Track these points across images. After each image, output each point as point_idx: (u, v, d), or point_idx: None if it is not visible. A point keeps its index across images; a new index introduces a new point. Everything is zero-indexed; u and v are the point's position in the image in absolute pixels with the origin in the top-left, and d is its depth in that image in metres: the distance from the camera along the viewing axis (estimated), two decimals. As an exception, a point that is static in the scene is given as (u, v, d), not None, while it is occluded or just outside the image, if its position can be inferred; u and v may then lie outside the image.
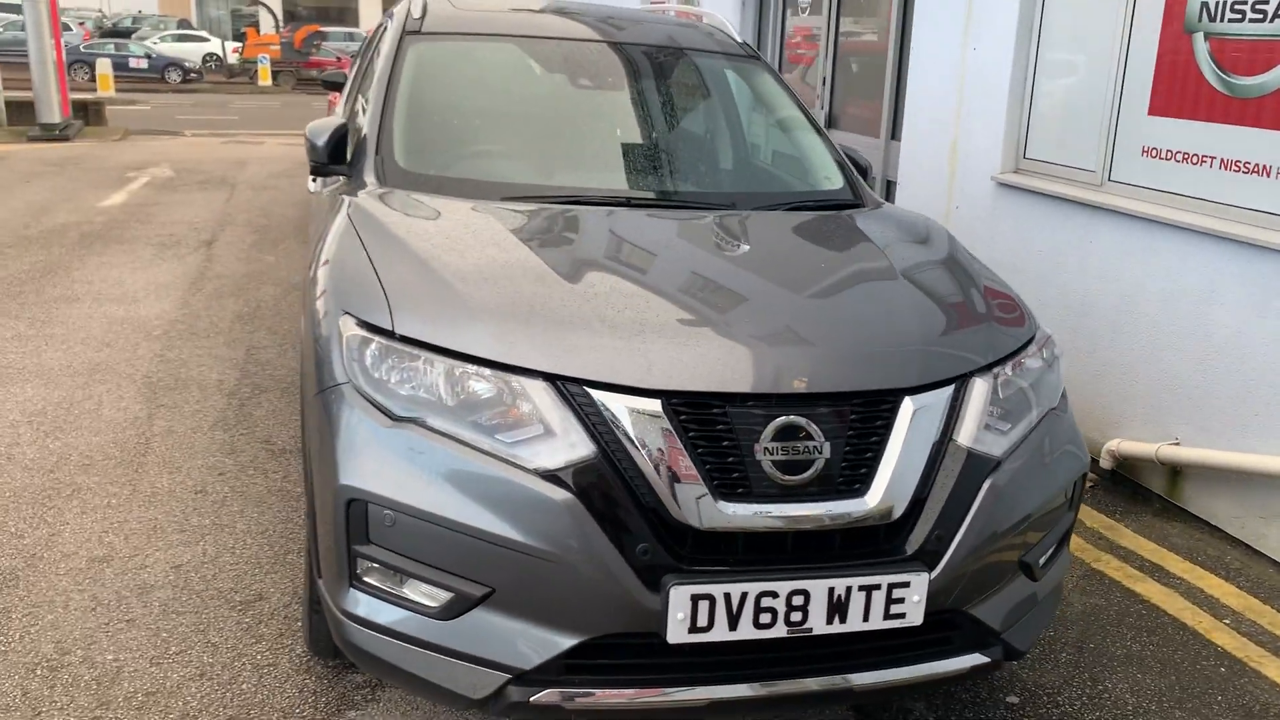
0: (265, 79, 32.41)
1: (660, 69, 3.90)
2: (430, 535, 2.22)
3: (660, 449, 2.19)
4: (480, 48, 3.82)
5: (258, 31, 38.85)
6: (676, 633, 2.18)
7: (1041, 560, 2.59)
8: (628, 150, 3.57)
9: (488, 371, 2.27)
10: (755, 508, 2.23)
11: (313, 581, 2.64)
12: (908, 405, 2.36)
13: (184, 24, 42.01)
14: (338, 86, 9.07)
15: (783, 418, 2.26)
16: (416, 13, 3.84)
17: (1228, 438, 4.05)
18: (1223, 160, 4.10)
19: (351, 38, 41.05)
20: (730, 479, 2.22)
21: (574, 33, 3.92)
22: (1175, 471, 4.36)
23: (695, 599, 2.16)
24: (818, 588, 2.23)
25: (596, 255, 2.79)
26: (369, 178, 3.22)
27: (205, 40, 37.95)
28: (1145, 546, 3.96)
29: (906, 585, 2.28)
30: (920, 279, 2.85)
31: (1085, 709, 2.93)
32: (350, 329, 2.43)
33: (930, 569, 2.30)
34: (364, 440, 2.29)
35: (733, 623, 2.20)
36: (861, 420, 2.33)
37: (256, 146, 16.03)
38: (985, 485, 2.40)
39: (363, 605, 2.32)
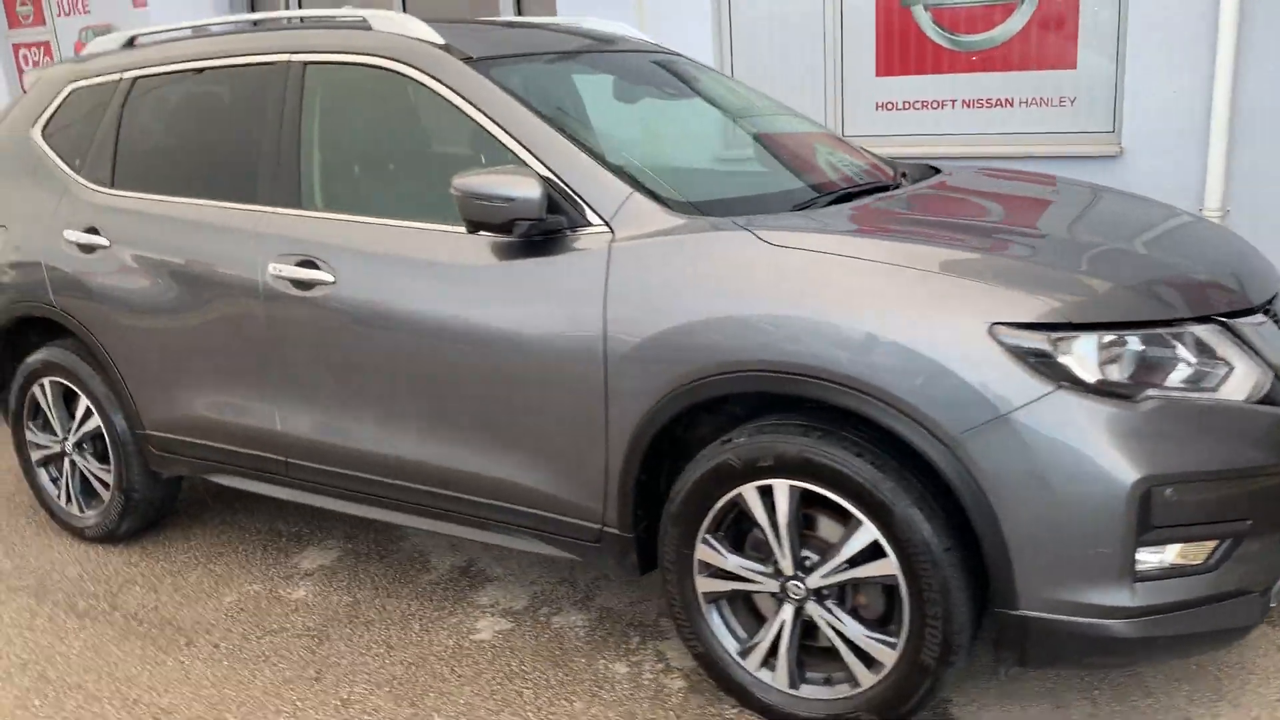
0: None
1: (688, 75, 3.76)
2: (1203, 492, 2.30)
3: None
4: (552, 68, 3.32)
5: None
6: None
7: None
8: (786, 145, 3.49)
9: (1165, 331, 2.35)
10: None
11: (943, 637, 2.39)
12: None
13: None
14: None
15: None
16: (438, 39, 3.16)
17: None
18: (964, 100, 5.25)
19: None
20: None
21: (590, 45, 3.59)
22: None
23: None
24: None
25: (1024, 225, 2.87)
26: (649, 216, 2.74)
27: None
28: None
29: None
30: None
31: None
32: (1016, 336, 2.28)
33: None
34: (1123, 429, 2.24)
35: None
36: None
37: None
38: None
39: (1142, 595, 2.29)
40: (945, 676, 2.45)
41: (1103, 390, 2.26)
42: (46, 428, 4.14)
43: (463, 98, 3.03)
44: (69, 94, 4.02)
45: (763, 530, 2.61)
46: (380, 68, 3.21)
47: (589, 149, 2.89)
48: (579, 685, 2.96)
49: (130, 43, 3.99)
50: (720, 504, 2.64)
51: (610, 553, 2.89)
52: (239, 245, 3.35)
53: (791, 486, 2.53)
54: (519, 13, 6.63)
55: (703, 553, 2.70)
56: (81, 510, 4.11)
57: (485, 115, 2.99)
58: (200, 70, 3.64)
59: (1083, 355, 2.29)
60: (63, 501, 4.15)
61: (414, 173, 3.27)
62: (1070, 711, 2.71)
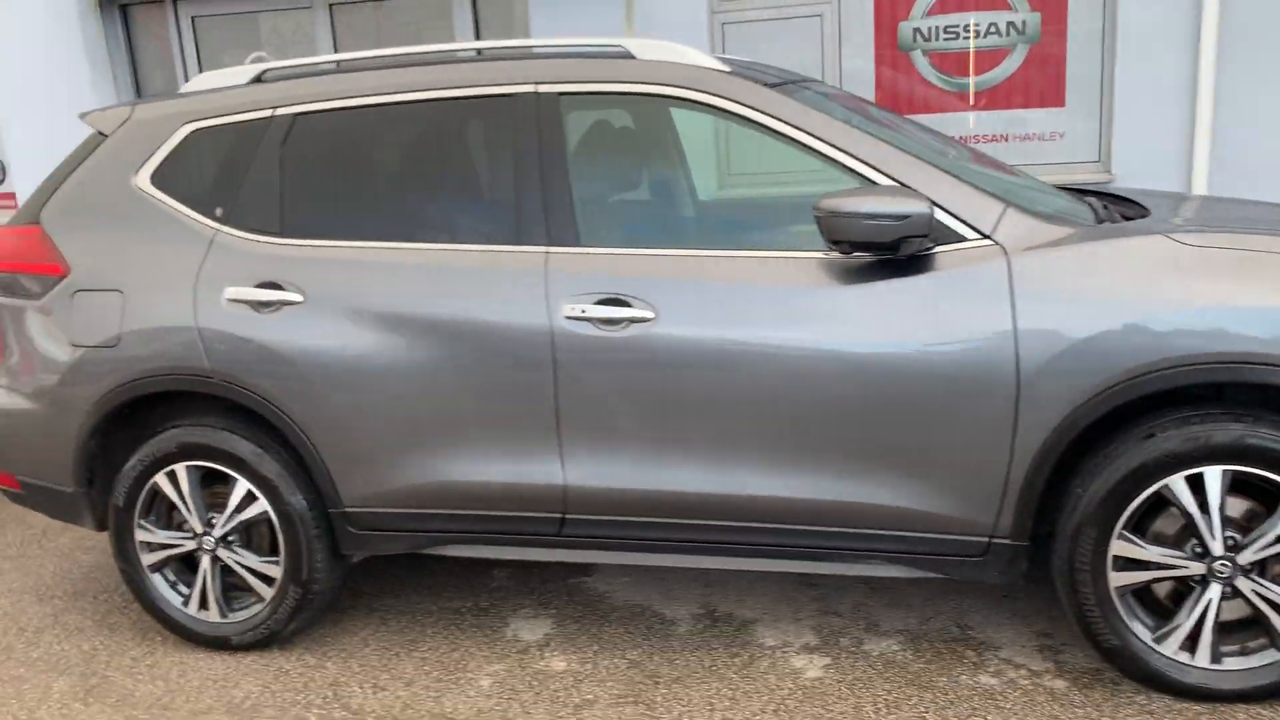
0: None
1: (876, 107, 3.87)
2: None
3: None
4: (813, 95, 3.31)
5: None
6: None
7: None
8: (994, 163, 3.66)
9: None
10: None
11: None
12: None
13: None
14: None
15: None
16: (724, 66, 3.11)
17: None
18: (960, 137, 5.71)
19: None
20: None
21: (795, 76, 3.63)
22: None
23: None
24: None
25: None
26: (1031, 229, 2.84)
27: None
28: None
29: None
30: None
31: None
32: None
33: None
34: None
35: None
36: None
37: None
38: None
39: None
40: (1369, 619, 2.72)
41: None
42: (170, 523, 3.53)
43: (790, 124, 3.00)
44: (187, 136, 3.50)
45: (1188, 517, 2.76)
46: (666, 96, 3.10)
47: (945, 168, 2.96)
48: (967, 703, 2.95)
49: (260, 78, 3.55)
50: (1142, 498, 2.77)
51: (997, 564, 2.92)
52: (513, 288, 3.08)
53: (1224, 471, 2.71)
54: (476, 22, 6.40)
55: (1119, 548, 2.81)
56: (224, 614, 3.52)
57: (822, 140, 2.98)
58: (398, 105, 3.31)
59: None
60: (193, 609, 3.54)
61: (727, 200, 3.17)
62: None
